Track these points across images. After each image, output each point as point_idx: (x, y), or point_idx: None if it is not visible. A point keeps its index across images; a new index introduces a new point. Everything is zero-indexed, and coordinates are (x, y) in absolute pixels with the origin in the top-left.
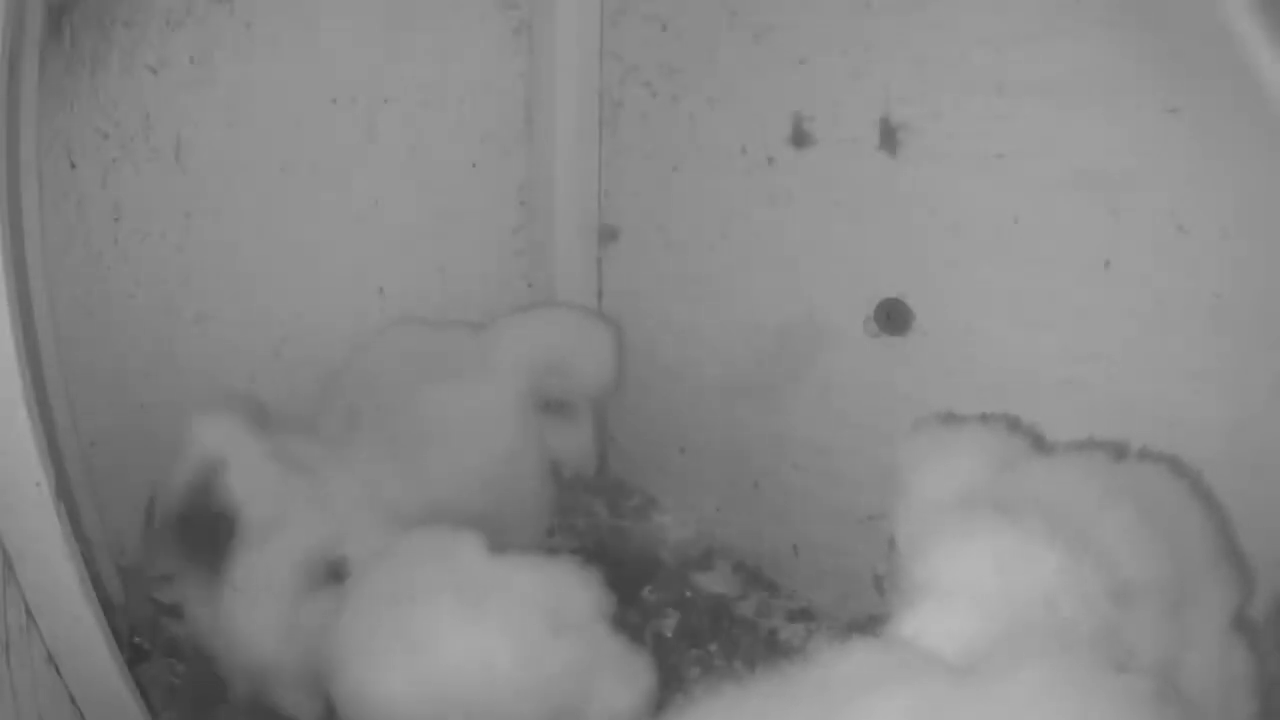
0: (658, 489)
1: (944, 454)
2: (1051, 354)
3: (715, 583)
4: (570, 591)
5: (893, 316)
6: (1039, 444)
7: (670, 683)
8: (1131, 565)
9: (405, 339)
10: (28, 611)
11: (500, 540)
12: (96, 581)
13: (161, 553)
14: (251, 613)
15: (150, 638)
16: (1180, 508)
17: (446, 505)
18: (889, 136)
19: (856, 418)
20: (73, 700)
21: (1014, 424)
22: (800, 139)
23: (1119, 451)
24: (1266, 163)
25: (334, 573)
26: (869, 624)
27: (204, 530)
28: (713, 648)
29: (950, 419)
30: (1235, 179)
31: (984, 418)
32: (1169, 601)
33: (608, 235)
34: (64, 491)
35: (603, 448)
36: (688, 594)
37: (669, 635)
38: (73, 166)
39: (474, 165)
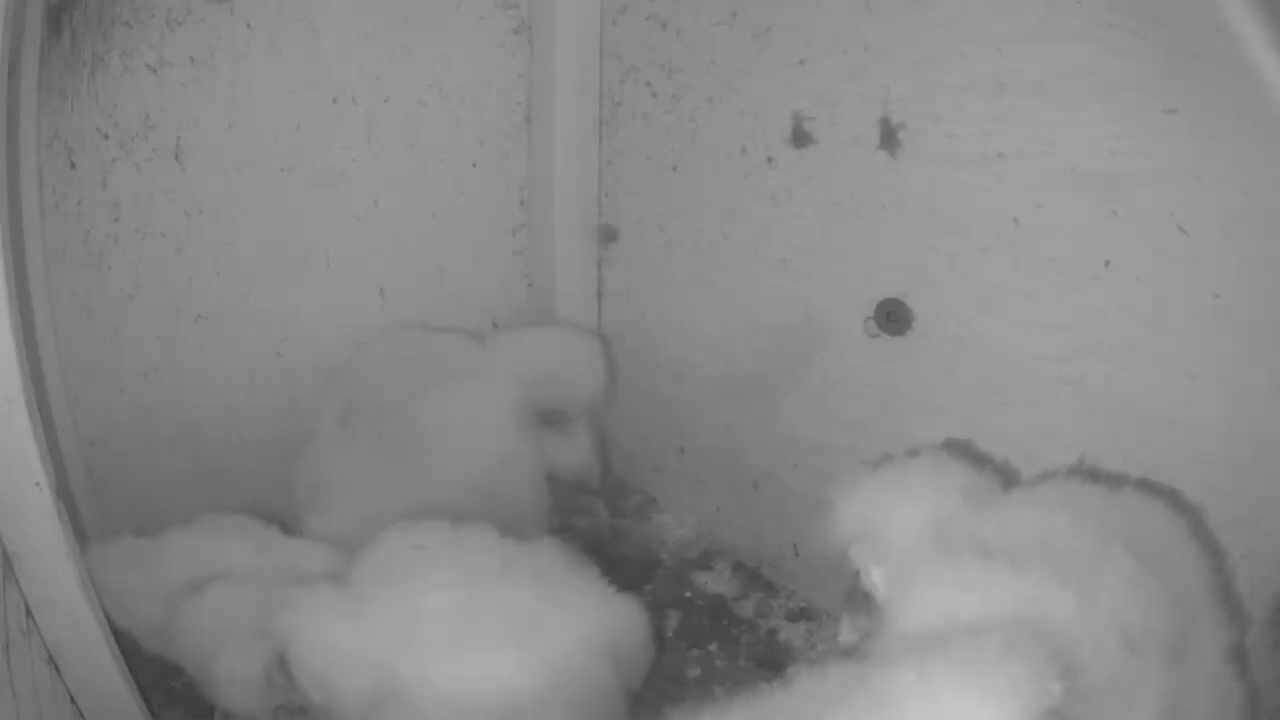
0: (658, 489)
1: (904, 492)
2: (1051, 354)
3: (715, 583)
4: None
5: (893, 316)
6: (989, 466)
7: (670, 683)
8: (1135, 613)
9: (403, 341)
10: (28, 611)
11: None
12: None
13: None
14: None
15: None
16: (1178, 549)
17: (439, 506)
18: (889, 136)
19: (856, 418)
20: (73, 700)
21: (964, 450)
22: (800, 139)
23: (1113, 482)
24: (1266, 163)
25: None
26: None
27: None
28: (713, 648)
29: (911, 452)
30: (1235, 179)
31: (946, 446)
32: (1170, 649)
33: (608, 235)
34: (64, 491)
35: (605, 457)
36: (688, 594)
37: (669, 635)
38: (73, 166)
39: (474, 165)
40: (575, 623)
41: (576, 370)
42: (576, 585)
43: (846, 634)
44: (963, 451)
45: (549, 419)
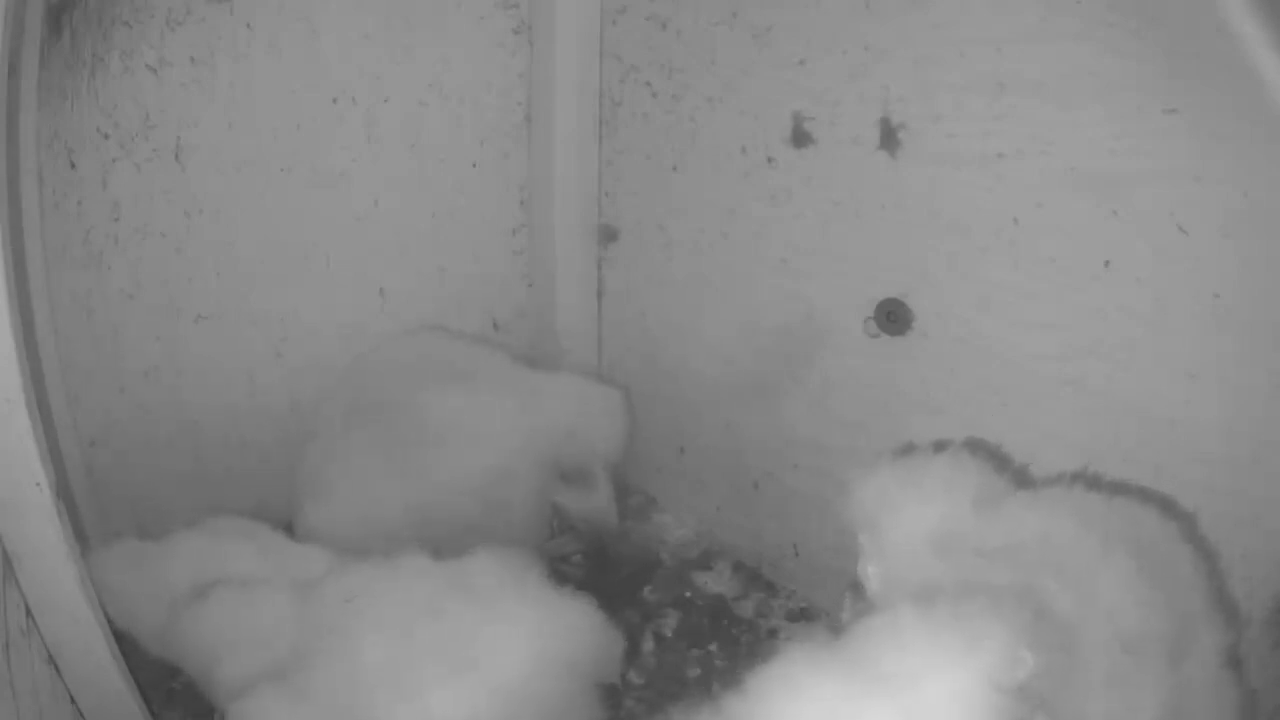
0: (658, 489)
1: (914, 491)
2: (1051, 354)
3: (715, 583)
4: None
5: (893, 316)
6: (1009, 470)
7: (670, 683)
8: (1135, 616)
9: (416, 345)
10: (28, 611)
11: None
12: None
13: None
14: None
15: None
16: (1173, 553)
17: (431, 508)
18: (889, 136)
19: (856, 418)
20: (73, 700)
21: (978, 447)
22: (800, 139)
23: (1112, 488)
24: (1266, 163)
25: None
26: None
27: None
28: (713, 648)
29: (913, 450)
30: (1235, 179)
31: (948, 446)
32: (1169, 653)
33: (608, 235)
34: (64, 491)
35: (622, 506)
36: (688, 594)
37: (669, 635)
38: (73, 166)
39: (474, 165)
40: (521, 636)
41: (597, 427)
42: (518, 597)
43: (846, 613)
44: (989, 452)
45: (568, 475)
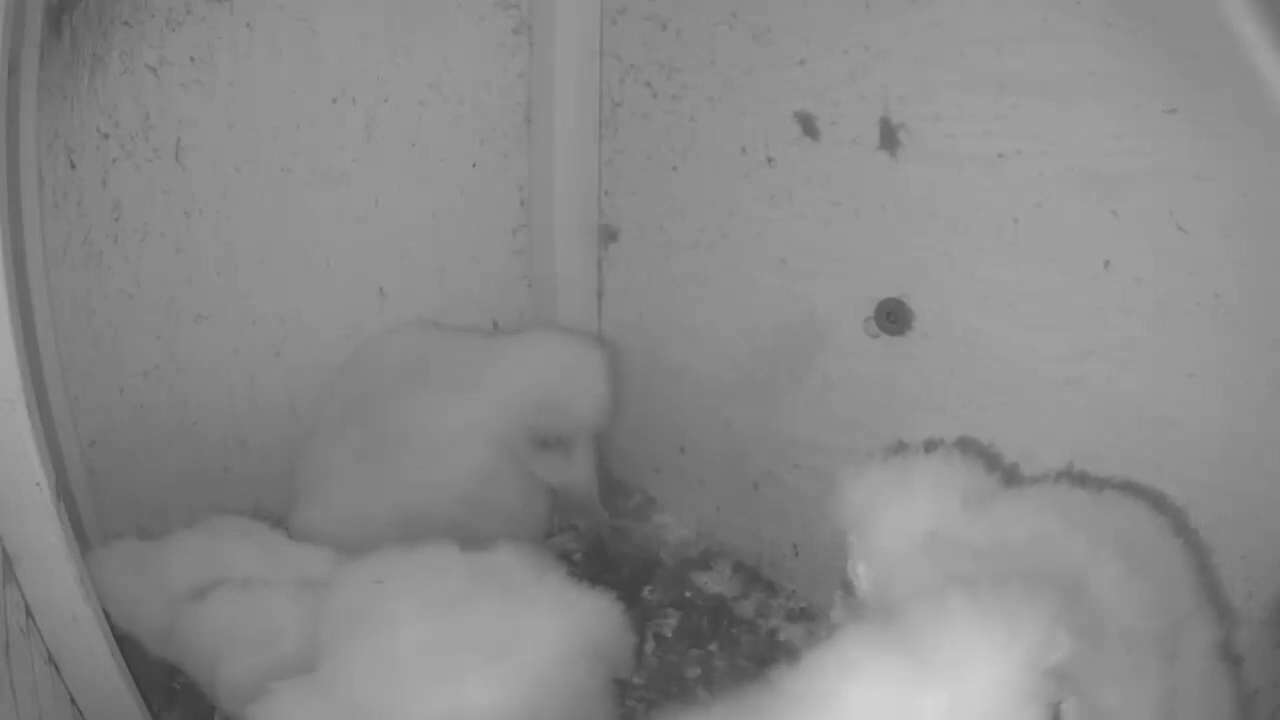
0: (657, 489)
1: (904, 491)
2: (1051, 354)
3: (715, 583)
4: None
5: (893, 316)
6: (1000, 469)
7: (670, 682)
8: (1127, 614)
9: (413, 341)
10: (28, 611)
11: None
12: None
13: None
14: None
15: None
16: (1163, 549)
17: (418, 512)
18: (889, 136)
19: (856, 418)
20: (73, 700)
21: (969, 447)
22: (800, 139)
23: (1098, 485)
24: (1266, 163)
25: None
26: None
27: None
28: (713, 648)
29: (903, 449)
30: (1235, 179)
31: (938, 445)
32: (1162, 652)
33: (608, 235)
34: (64, 491)
35: (603, 478)
36: (688, 594)
37: (669, 635)
38: (73, 166)
39: (474, 165)
40: (548, 630)
41: (578, 394)
42: (543, 591)
43: (839, 613)
44: (978, 452)
45: (549, 443)
